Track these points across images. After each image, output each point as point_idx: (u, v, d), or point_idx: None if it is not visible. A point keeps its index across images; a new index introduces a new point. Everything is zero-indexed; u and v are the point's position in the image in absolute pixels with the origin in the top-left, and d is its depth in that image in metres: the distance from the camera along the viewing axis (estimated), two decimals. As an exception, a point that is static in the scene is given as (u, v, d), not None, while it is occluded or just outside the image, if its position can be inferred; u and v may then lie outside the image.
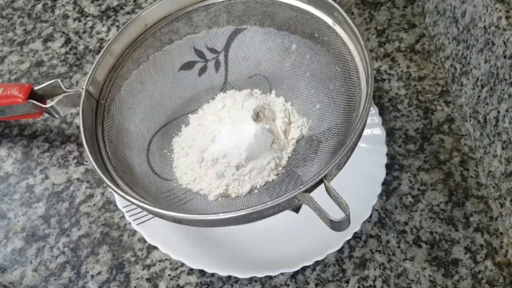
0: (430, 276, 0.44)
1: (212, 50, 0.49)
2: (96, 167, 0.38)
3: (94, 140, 0.42)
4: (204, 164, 0.45)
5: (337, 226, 0.33)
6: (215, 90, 0.50)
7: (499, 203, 0.46)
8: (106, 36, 0.62)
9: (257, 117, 0.46)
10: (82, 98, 0.42)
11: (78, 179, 0.51)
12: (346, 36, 0.42)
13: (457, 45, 0.52)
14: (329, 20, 0.43)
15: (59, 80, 0.45)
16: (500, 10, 0.42)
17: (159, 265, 0.45)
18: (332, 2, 0.42)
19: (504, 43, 0.42)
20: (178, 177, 0.46)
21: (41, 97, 0.47)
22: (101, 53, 0.44)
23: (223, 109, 0.47)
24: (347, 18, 0.41)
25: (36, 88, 0.47)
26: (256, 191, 0.44)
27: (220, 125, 0.46)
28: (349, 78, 0.43)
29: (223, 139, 0.44)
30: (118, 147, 0.44)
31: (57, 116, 0.46)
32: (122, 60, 0.45)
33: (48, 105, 0.45)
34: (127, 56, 0.46)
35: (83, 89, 0.42)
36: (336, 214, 0.33)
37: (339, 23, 0.43)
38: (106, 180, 0.38)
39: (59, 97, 0.44)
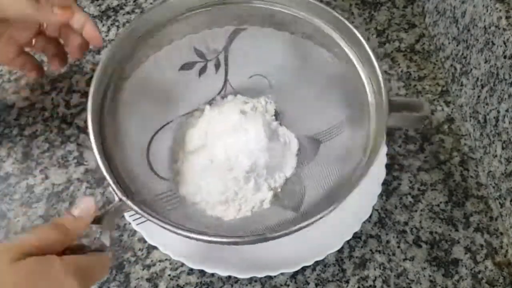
0: (430, 276, 0.44)
1: (212, 50, 0.49)
2: (106, 174, 0.38)
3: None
4: (204, 166, 0.45)
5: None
6: (215, 90, 0.50)
7: (499, 203, 0.46)
8: (106, 36, 0.62)
9: (256, 119, 0.46)
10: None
11: (78, 179, 0.51)
12: (348, 46, 0.42)
13: (457, 45, 0.52)
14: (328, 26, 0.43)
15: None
16: (500, 10, 0.42)
17: (159, 265, 0.45)
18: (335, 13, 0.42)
19: (504, 43, 0.42)
20: (178, 180, 0.46)
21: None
22: (101, 53, 0.44)
23: (222, 112, 0.47)
24: (348, 24, 0.41)
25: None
26: (262, 197, 0.44)
27: (219, 128, 0.46)
28: (349, 77, 0.43)
29: (223, 142, 0.44)
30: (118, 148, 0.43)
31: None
32: (122, 60, 0.45)
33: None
34: (128, 56, 0.46)
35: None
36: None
37: (340, 31, 0.43)
38: (110, 180, 0.38)
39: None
